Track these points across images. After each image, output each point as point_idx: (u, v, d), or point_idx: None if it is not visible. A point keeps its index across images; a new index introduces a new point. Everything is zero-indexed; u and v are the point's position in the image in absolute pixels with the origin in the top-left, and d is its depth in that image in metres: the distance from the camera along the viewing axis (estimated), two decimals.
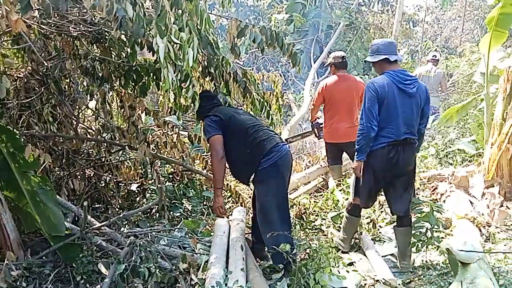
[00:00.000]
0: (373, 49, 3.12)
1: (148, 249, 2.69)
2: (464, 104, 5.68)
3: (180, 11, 2.50)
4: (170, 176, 4.40)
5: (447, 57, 11.83)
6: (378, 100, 2.94)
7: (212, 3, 11.19)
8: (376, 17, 12.24)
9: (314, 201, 4.55)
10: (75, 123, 3.72)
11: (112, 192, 4.00)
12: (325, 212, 4.30)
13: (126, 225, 3.53)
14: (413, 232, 3.18)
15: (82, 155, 3.86)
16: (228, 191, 4.34)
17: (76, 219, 3.22)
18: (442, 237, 3.58)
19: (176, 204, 4.08)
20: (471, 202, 4.25)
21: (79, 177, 3.69)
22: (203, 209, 4.15)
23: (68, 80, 3.64)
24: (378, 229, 3.91)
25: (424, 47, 14.81)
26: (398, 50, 13.73)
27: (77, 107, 3.82)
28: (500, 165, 4.25)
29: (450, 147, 6.28)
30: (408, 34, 13.17)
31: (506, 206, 4.04)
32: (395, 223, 3.32)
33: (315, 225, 4.09)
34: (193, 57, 2.49)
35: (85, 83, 3.74)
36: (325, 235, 3.92)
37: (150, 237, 3.16)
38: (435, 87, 7.28)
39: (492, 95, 5.07)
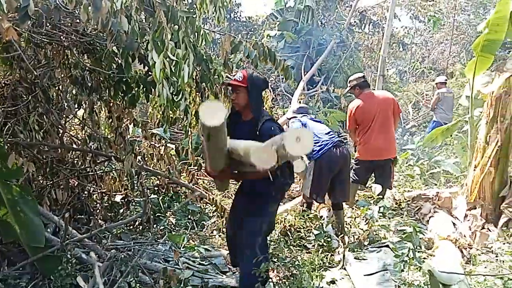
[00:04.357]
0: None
1: (129, 263, 2.66)
2: (449, 126, 5.80)
3: (176, 26, 2.52)
4: (156, 188, 4.37)
5: (435, 79, 12.09)
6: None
7: (206, 17, 11.28)
8: (366, 38, 12.48)
9: (300, 218, 4.54)
10: (61, 132, 3.68)
11: (95, 203, 3.95)
12: (307, 230, 4.30)
13: (109, 238, 3.49)
14: (396, 252, 3.21)
15: (67, 165, 3.80)
16: (213, 205, 4.32)
17: (57, 230, 3.17)
18: (424, 258, 3.61)
19: (161, 217, 4.04)
20: (454, 223, 4.31)
21: (62, 187, 3.64)
22: (187, 223, 4.12)
23: (56, 89, 3.61)
24: (363, 248, 3.92)
25: (412, 68, 15.16)
26: (387, 70, 14.04)
27: (64, 116, 3.80)
28: (482, 187, 4.32)
29: (435, 167, 6.38)
30: (397, 55, 13.43)
31: (488, 229, 4.10)
32: (332, 208, 4.33)
33: (299, 242, 4.09)
34: (189, 73, 2.51)
35: (74, 92, 3.72)
36: (309, 252, 3.91)
37: (132, 251, 3.13)
38: (451, 105, 8.07)
39: (476, 118, 5.19)
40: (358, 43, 11.95)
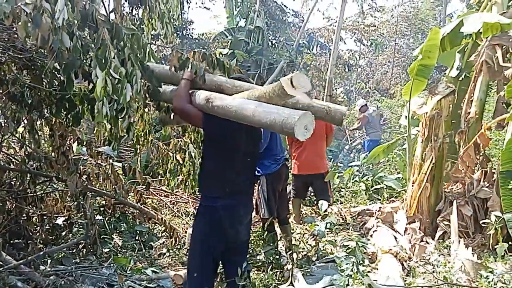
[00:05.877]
0: None
1: None
2: (389, 144, 6.13)
3: (122, 43, 2.50)
4: (101, 209, 4.22)
5: (379, 99, 12.80)
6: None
7: (157, 33, 11.21)
8: (314, 59, 12.98)
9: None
10: None
11: (35, 226, 3.73)
12: (257, 246, 4.32)
13: (49, 263, 3.30)
14: (341, 267, 3.31)
15: (3, 186, 3.58)
16: (162, 226, 4.24)
17: None
18: (368, 272, 3.75)
19: (106, 239, 3.89)
20: (395, 237, 4.52)
21: None
22: (134, 244, 4.00)
23: None
24: (311, 264, 4.00)
25: (358, 87, 15.94)
26: (336, 89, 14.66)
27: (1, 134, 3.59)
28: (420, 202, 4.60)
29: (379, 183, 6.69)
30: (343, 75, 14.09)
31: (426, 241, 4.35)
32: (279, 224, 4.27)
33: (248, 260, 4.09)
34: (137, 89, 2.49)
35: (13, 107, 3.54)
36: (258, 270, 3.93)
37: (74, 276, 2.99)
38: (378, 122, 9.00)
39: (414, 137, 5.53)
40: (307, 64, 12.41)
